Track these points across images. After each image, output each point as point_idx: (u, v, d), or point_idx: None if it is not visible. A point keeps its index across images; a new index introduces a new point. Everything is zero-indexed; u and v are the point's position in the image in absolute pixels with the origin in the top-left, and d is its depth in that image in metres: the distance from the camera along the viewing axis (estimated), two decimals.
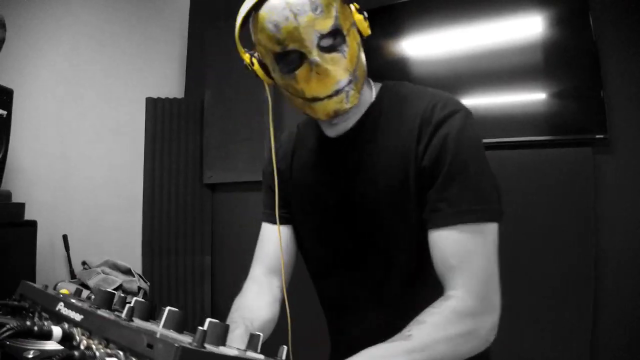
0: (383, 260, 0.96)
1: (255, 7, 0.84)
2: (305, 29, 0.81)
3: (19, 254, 2.07)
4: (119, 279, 2.29)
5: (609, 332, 2.06)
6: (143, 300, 0.57)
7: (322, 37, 0.83)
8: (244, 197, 3.33)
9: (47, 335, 0.48)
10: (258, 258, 1.16)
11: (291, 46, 0.83)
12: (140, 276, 2.45)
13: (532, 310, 2.14)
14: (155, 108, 3.37)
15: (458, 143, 0.85)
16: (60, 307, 0.55)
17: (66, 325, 0.52)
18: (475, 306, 0.78)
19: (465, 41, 2.41)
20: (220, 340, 0.47)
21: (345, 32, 0.86)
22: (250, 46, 0.96)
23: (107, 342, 0.45)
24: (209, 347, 0.43)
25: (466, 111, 0.89)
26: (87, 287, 2.25)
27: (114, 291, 0.61)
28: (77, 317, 0.51)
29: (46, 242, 2.37)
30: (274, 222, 1.07)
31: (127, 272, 2.43)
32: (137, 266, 2.99)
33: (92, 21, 3.09)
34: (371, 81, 1.02)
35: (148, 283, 2.46)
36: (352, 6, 0.89)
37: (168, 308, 0.53)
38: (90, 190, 2.98)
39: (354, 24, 0.89)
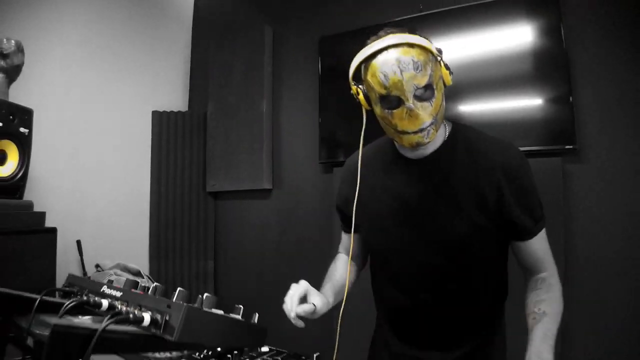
0: (465, 281, 1.29)
1: (372, 57, 1.11)
2: (407, 83, 1.07)
3: (41, 259, 2.30)
4: (125, 275, 2.53)
5: (580, 332, 2.26)
6: (159, 284, 0.83)
7: (418, 89, 1.08)
8: (245, 204, 3.57)
9: (99, 305, 0.74)
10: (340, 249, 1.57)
11: (394, 93, 1.09)
12: (149, 277, 2.70)
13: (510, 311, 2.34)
14: (161, 121, 3.65)
15: (528, 180, 1.20)
16: (105, 288, 0.81)
17: (110, 300, 0.77)
18: (558, 279, 1.25)
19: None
20: (213, 306, 0.73)
21: (435, 86, 1.12)
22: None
23: (140, 307, 0.71)
24: (205, 309, 0.69)
25: (522, 154, 1.23)
26: None
27: (137, 279, 0.87)
28: (118, 294, 0.77)
29: (61, 247, 2.59)
30: (345, 231, 1.52)
31: (137, 274, 2.68)
32: (144, 269, 3.24)
33: (100, 41, 3.34)
34: (445, 120, 1.30)
35: (156, 284, 2.71)
36: (441, 62, 1.15)
37: (179, 288, 0.78)
38: (102, 198, 3.23)
39: (441, 77, 1.15)
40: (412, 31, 1.10)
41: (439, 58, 1.13)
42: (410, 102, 1.08)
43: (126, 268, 2.70)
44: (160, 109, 3.68)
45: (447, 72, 1.16)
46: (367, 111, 1.21)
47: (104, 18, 3.39)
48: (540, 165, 2.30)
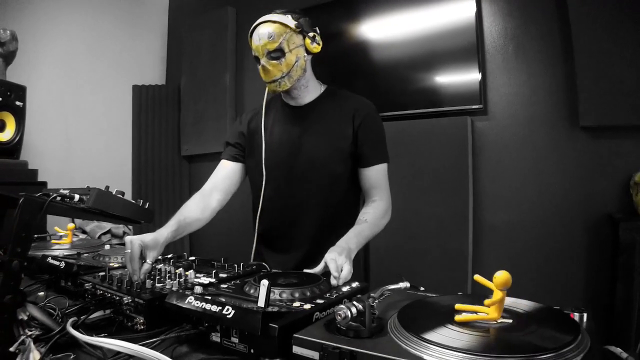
0: (324, 189, 1.70)
1: (253, 30, 1.57)
2: (262, 47, 1.54)
3: None
4: (108, 225, 3.20)
5: (485, 263, 2.88)
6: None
7: (269, 52, 1.54)
8: (215, 166, 4.13)
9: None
10: (210, 178, 1.86)
11: (256, 54, 1.57)
12: (125, 225, 3.36)
13: (418, 239, 2.95)
14: (140, 93, 4.26)
15: (375, 124, 1.70)
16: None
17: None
18: (387, 205, 1.68)
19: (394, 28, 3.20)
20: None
21: (286, 51, 1.54)
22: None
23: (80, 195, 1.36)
24: (111, 192, 1.35)
25: (375, 108, 1.73)
26: (85, 232, 3.17)
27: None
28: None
29: None
30: (229, 160, 1.83)
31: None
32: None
33: (85, 23, 3.95)
34: (321, 83, 1.77)
35: (130, 228, 3.38)
36: (305, 35, 1.58)
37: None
38: (88, 161, 3.88)
39: (301, 45, 1.58)
40: (290, 12, 1.57)
41: (298, 31, 1.55)
42: (263, 61, 1.56)
43: None
44: (140, 83, 4.27)
45: (310, 42, 1.59)
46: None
47: (87, 5, 4.01)
48: (453, 122, 2.91)
